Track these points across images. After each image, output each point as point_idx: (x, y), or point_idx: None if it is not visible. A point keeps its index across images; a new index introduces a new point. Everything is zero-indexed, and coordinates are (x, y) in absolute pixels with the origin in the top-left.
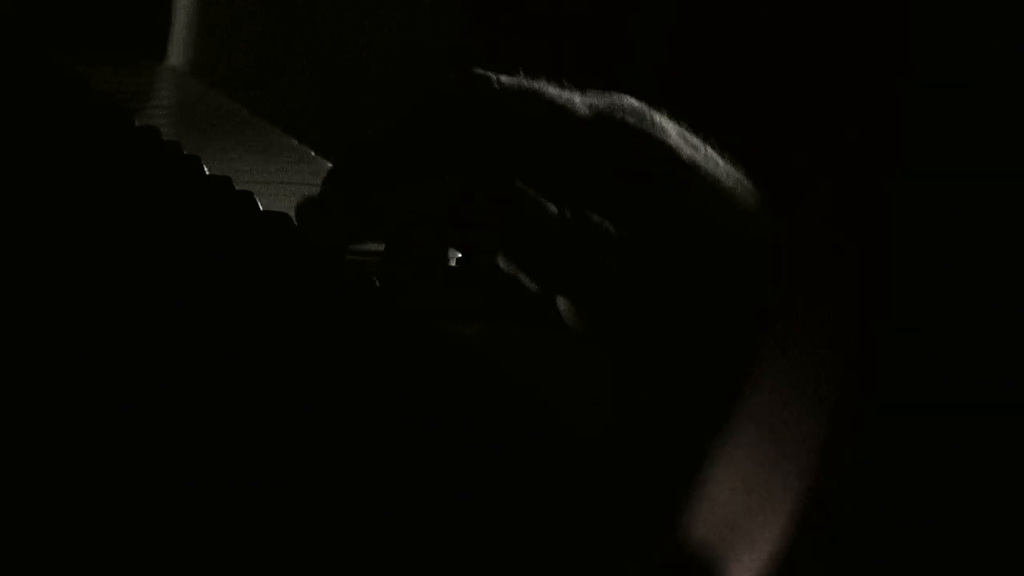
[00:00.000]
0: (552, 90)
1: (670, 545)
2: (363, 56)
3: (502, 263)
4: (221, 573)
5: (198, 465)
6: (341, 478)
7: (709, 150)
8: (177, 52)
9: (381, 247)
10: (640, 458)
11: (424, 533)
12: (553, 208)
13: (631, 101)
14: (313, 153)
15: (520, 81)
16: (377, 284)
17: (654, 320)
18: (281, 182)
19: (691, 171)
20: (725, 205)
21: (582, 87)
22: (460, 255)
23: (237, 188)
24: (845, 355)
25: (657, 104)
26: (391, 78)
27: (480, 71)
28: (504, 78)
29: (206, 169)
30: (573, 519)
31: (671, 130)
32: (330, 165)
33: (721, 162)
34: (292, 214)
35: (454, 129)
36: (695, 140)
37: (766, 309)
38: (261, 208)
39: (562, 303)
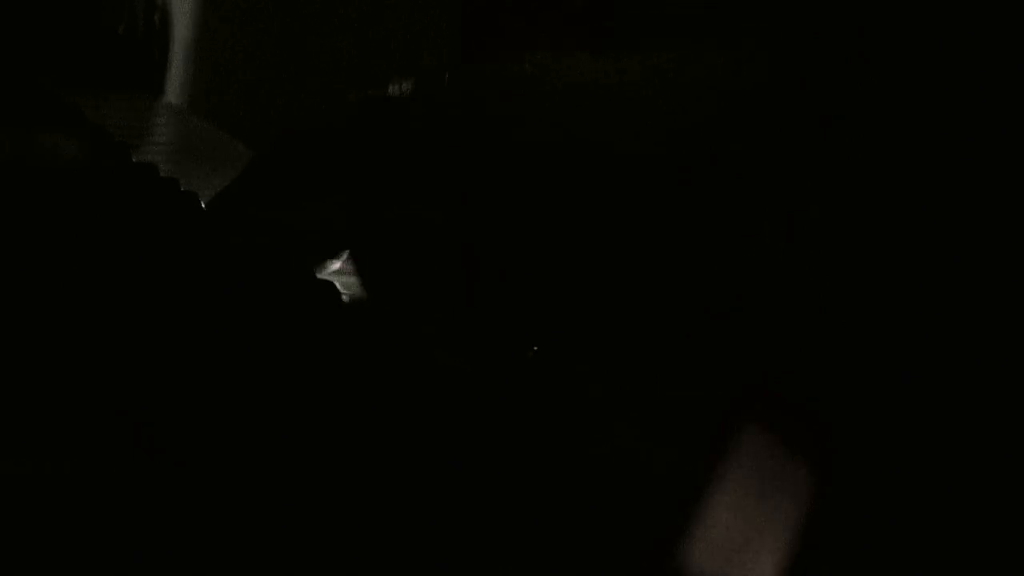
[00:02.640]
0: None
1: (667, 567)
2: (363, 92)
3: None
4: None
5: (193, 464)
6: (337, 486)
7: None
8: (174, 87)
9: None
10: (635, 478)
11: (420, 549)
12: None
13: None
14: None
15: None
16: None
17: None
18: None
19: None
20: None
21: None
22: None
23: None
24: (840, 389)
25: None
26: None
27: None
28: None
29: (203, 205)
30: (570, 535)
31: None
32: None
33: None
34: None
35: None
36: None
37: (764, 343)
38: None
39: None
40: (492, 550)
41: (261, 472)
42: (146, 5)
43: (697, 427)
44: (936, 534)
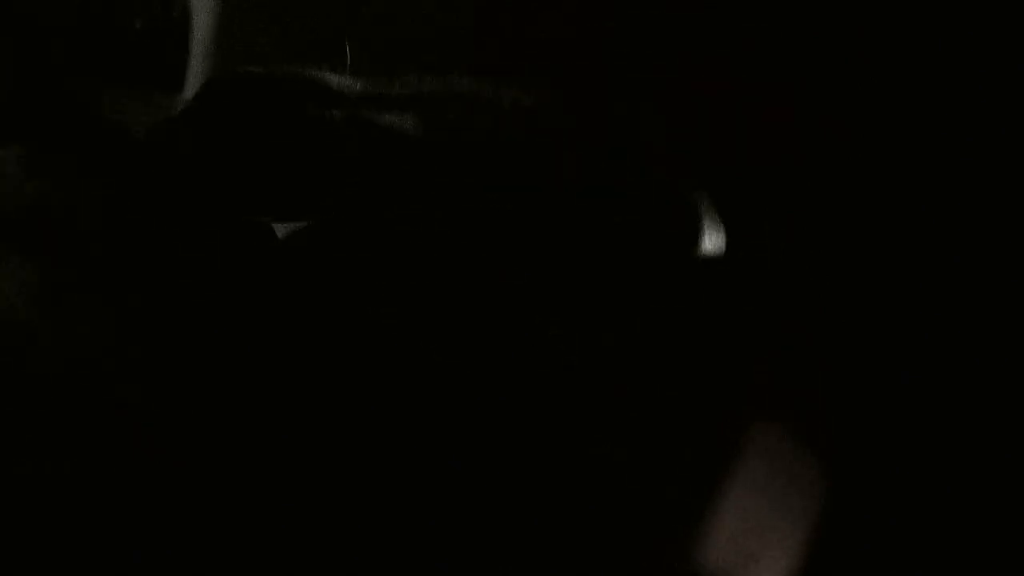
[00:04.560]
0: None
1: (679, 569)
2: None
3: None
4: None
5: (193, 464)
6: (337, 486)
7: None
8: (194, 84)
9: None
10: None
11: (420, 549)
12: None
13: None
14: None
15: None
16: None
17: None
18: None
19: None
20: None
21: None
22: None
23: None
24: (848, 389)
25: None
26: None
27: None
28: None
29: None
30: (570, 535)
31: None
32: None
33: None
34: None
35: None
36: None
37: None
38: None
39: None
40: (492, 550)
41: (261, 472)
42: (164, 1)
43: (704, 427)
44: (944, 534)
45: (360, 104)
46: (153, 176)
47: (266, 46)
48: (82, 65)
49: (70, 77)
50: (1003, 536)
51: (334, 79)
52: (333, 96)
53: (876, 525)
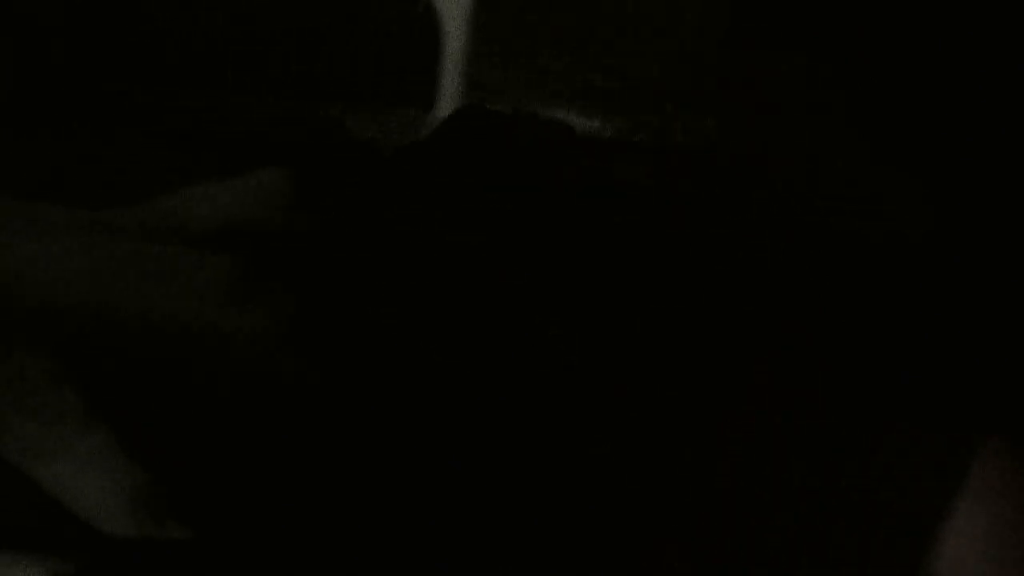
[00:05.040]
0: None
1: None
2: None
3: None
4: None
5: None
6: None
7: None
8: (445, 102)
9: None
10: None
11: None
12: None
13: None
14: None
15: None
16: None
17: None
18: None
19: None
20: None
21: None
22: None
23: None
24: None
25: None
26: None
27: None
28: None
29: None
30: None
31: None
32: None
33: None
34: None
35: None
36: None
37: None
38: None
39: None
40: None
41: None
42: (410, 17)
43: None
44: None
45: (599, 155)
46: (394, 194)
47: (518, 61)
48: (327, 81)
49: (315, 94)
50: None
51: (579, 122)
52: (575, 143)
53: None
